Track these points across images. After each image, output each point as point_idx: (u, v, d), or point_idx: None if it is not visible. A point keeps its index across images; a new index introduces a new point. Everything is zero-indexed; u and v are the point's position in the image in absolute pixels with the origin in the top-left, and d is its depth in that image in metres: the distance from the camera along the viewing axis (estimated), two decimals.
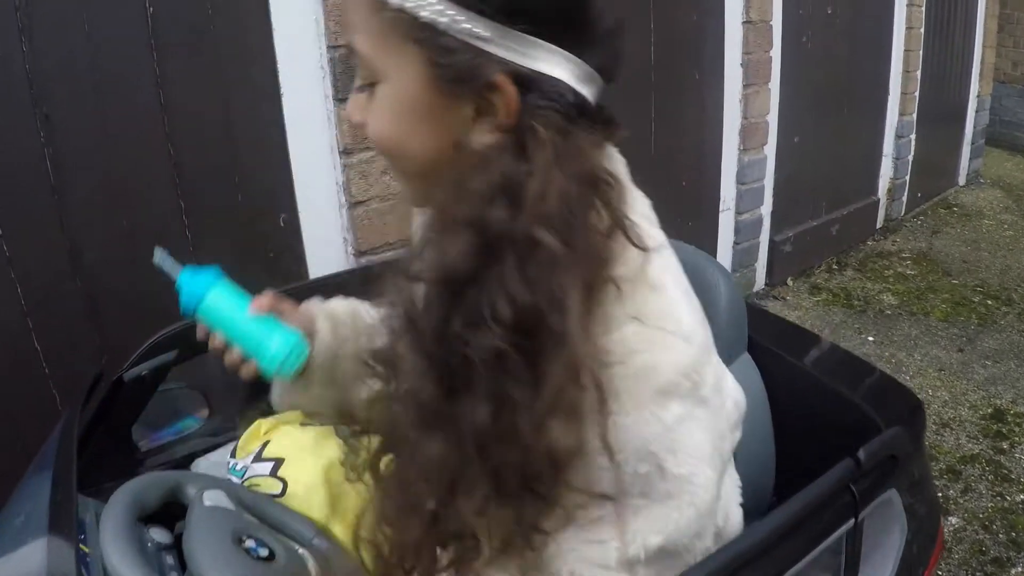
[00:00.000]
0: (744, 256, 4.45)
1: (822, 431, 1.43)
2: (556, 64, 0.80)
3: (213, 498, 1.29)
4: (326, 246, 2.69)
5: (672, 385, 0.80)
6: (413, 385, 0.83)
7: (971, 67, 6.38)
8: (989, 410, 3.51)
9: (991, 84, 6.70)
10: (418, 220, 1.10)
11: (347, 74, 2.47)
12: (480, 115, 0.82)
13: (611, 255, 0.82)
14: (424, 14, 0.77)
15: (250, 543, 1.20)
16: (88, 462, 1.53)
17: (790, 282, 4.82)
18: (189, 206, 2.37)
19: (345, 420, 1.40)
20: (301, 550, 1.30)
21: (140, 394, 1.64)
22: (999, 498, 2.97)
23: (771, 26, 4.06)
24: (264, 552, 1.21)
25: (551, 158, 0.78)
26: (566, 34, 0.80)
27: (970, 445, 3.28)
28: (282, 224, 2.59)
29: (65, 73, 2.10)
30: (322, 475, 1.39)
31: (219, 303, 1.15)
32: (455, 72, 0.79)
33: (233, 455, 1.48)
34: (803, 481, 1.15)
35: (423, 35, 0.78)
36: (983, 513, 2.89)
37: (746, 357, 1.54)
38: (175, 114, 2.29)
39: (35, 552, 1.20)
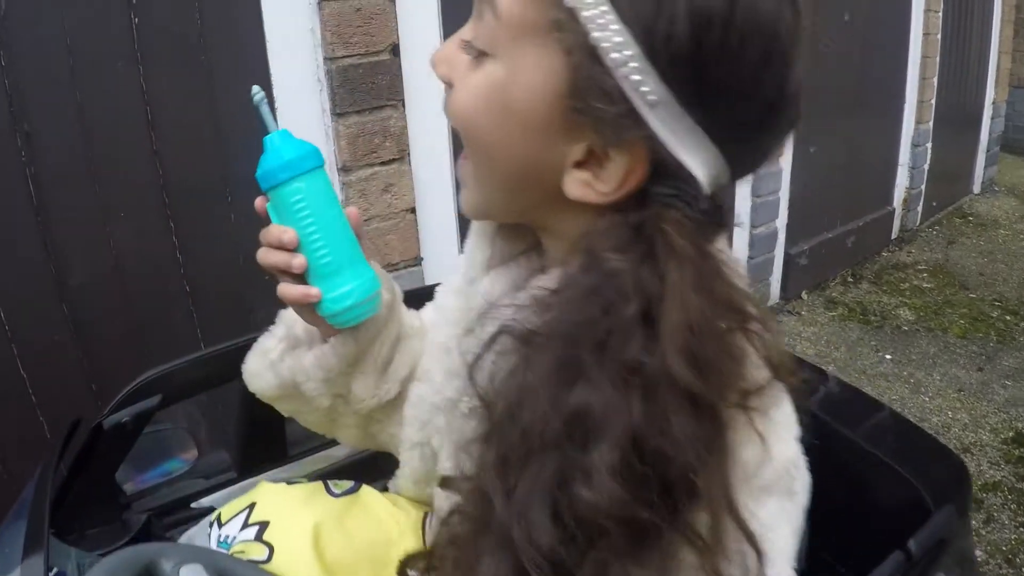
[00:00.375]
0: (758, 271, 4.34)
1: (860, 498, 1.34)
2: (703, 164, 0.67)
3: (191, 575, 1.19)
4: None
5: (775, 480, 0.72)
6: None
7: (987, 73, 6.29)
8: (1010, 434, 3.41)
9: (1007, 90, 6.61)
10: (472, 244, 0.93)
11: (345, 87, 2.39)
12: (585, 164, 0.69)
13: (750, 389, 0.69)
14: (596, 35, 0.62)
15: None
16: (70, 509, 1.47)
17: (805, 296, 4.71)
18: (179, 227, 2.27)
19: (325, 429, 1.27)
20: None
21: (121, 441, 1.54)
22: (1022, 529, 2.87)
23: None
24: None
25: (690, 280, 0.64)
26: (736, 138, 0.67)
27: (992, 472, 3.18)
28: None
29: (47, 88, 2.00)
30: (310, 537, 1.28)
31: (314, 193, 0.91)
32: (592, 113, 0.65)
33: (218, 524, 1.36)
34: (840, 548, 1.07)
35: (581, 55, 0.64)
36: (1006, 545, 2.79)
37: None
38: (163, 130, 2.19)
39: None
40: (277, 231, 0.91)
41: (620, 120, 0.64)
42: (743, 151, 0.70)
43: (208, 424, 1.95)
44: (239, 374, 1.66)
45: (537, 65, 0.67)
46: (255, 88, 0.93)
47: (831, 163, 4.68)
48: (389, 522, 1.23)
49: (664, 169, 0.67)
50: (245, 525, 1.28)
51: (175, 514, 1.72)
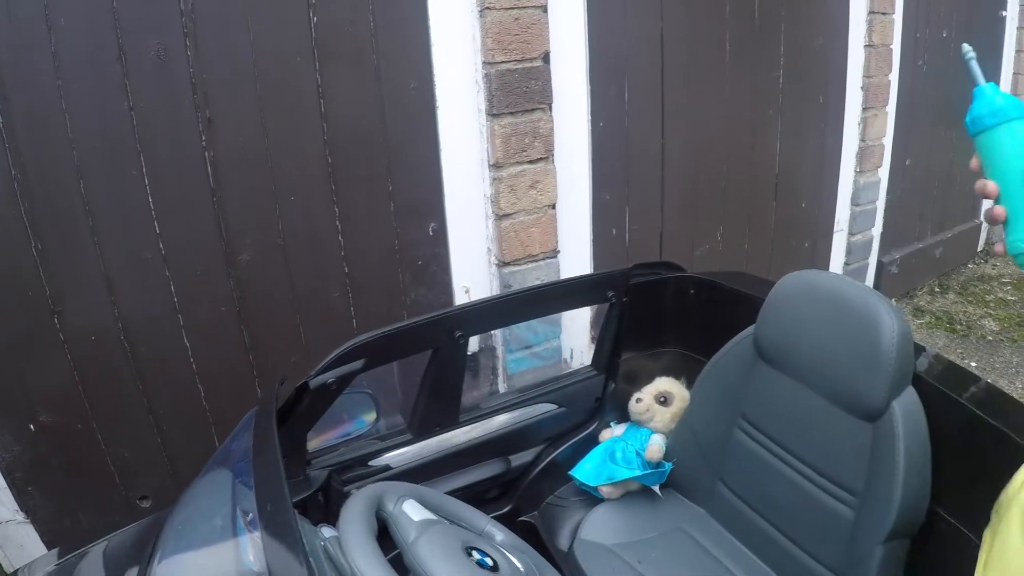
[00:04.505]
0: (852, 276, 4.35)
1: (979, 466, 1.45)
2: None
3: (414, 510, 1.34)
4: (470, 255, 2.74)
5: None
6: None
7: None
8: None
9: None
10: None
11: (502, 90, 2.52)
12: None
13: None
14: None
15: (477, 555, 1.25)
16: None
17: (894, 303, 4.72)
18: (343, 212, 2.43)
19: None
20: (517, 561, 1.34)
21: (323, 400, 1.67)
22: None
23: (892, 49, 4.03)
24: (490, 562, 1.25)
25: None
26: None
27: None
28: (431, 233, 2.64)
29: (229, 79, 2.16)
30: None
31: (1010, 140, 0.99)
32: None
33: None
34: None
35: None
36: None
37: (910, 390, 1.55)
38: (334, 123, 2.34)
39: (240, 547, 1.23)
40: (980, 184, 1.01)
41: None
42: None
43: (388, 389, 2.06)
44: (429, 344, 1.80)
45: None
46: (965, 47, 1.06)
47: (925, 175, 4.76)
48: None
49: None
50: None
51: (353, 470, 1.88)
